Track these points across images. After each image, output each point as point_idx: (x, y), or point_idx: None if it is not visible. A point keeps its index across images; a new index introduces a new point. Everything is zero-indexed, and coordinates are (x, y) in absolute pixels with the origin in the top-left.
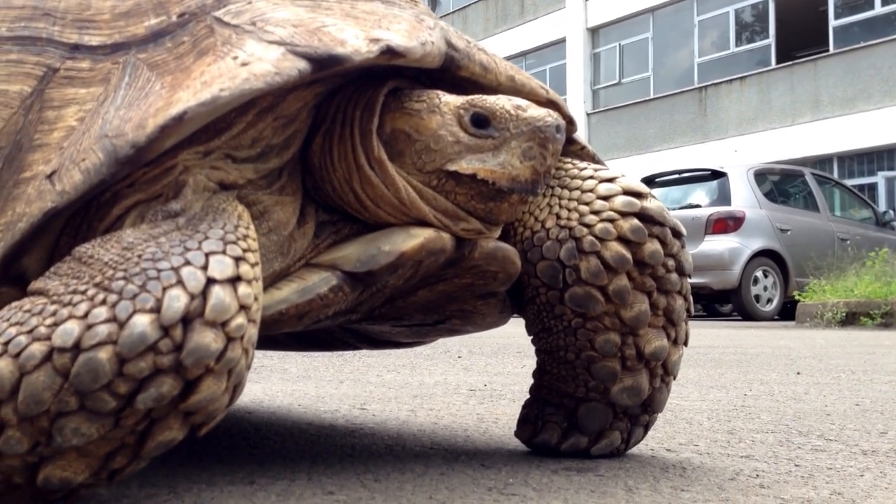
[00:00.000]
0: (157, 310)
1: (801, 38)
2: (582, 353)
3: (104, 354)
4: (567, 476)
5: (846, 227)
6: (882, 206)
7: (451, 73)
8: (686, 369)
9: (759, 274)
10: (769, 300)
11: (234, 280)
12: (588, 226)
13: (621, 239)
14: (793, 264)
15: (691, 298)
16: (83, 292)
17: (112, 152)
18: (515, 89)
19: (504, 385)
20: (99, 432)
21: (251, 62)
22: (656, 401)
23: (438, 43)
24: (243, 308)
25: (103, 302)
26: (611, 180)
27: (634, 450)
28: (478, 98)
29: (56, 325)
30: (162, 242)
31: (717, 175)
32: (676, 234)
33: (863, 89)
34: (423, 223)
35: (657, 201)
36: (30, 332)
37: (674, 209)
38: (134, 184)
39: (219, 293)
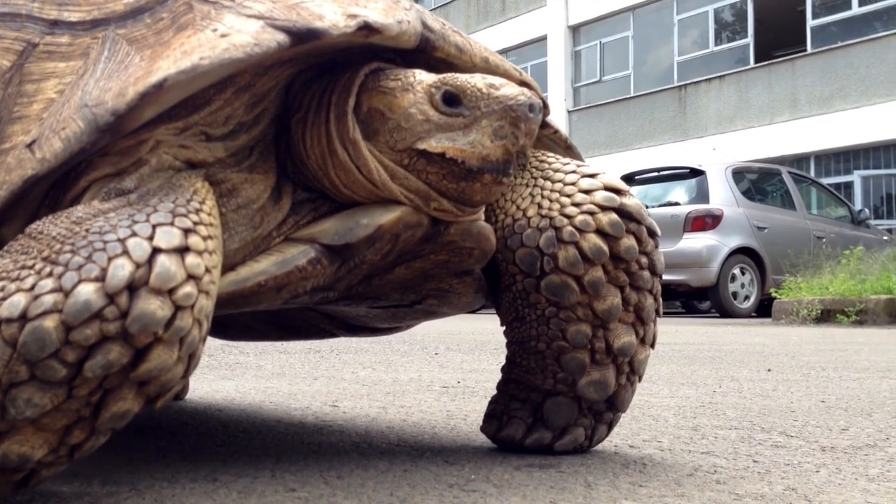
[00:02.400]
0: (101, 279)
1: (779, 37)
2: (553, 343)
3: (50, 323)
4: (528, 472)
5: (822, 225)
6: (858, 204)
7: (426, 54)
8: (659, 366)
9: (736, 271)
10: (746, 297)
11: (182, 250)
12: (569, 216)
13: (600, 232)
14: (770, 262)
15: (661, 300)
16: (31, 266)
17: (92, 120)
18: (490, 71)
19: (478, 382)
20: (52, 402)
21: (231, 34)
22: (621, 398)
23: (414, 23)
24: (192, 277)
25: (50, 274)
26: (592, 175)
27: (598, 446)
28: (450, 76)
29: (4, 299)
30: (111, 217)
31: (695, 173)
32: (651, 233)
33: (840, 89)
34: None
35: (635, 199)
36: None
37: (653, 207)
38: (107, 154)
39: (164, 261)
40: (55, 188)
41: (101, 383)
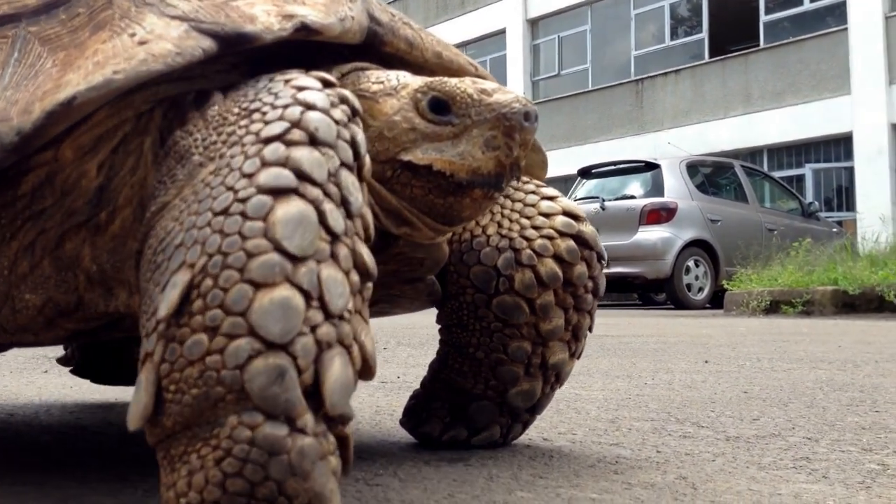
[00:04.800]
0: (308, 103)
1: (733, 32)
2: (492, 355)
3: (315, 112)
4: (437, 466)
5: (774, 217)
6: (809, 197)
7: (374, 48)
8: (601, 359)
9: (690, 263)
10: (700, 289)
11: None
12: (528, 239)
13: (557, 257)
14: (723, 254)
15: (594, 316)
16: (234, 127)
17: None
18: (443, 66)
19: (417, 377)
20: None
21: (150, 40)
22: (541, 405)
23: (359, 17)
24: None
25: (259, 112)
26: (552, 199)
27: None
28: (438, 81)
29: (255, 141)
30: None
31: (650, 167)
32: (600, 258)
33: (791, 83)
34: None
35: (591, 227)
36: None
37: (610, 200)
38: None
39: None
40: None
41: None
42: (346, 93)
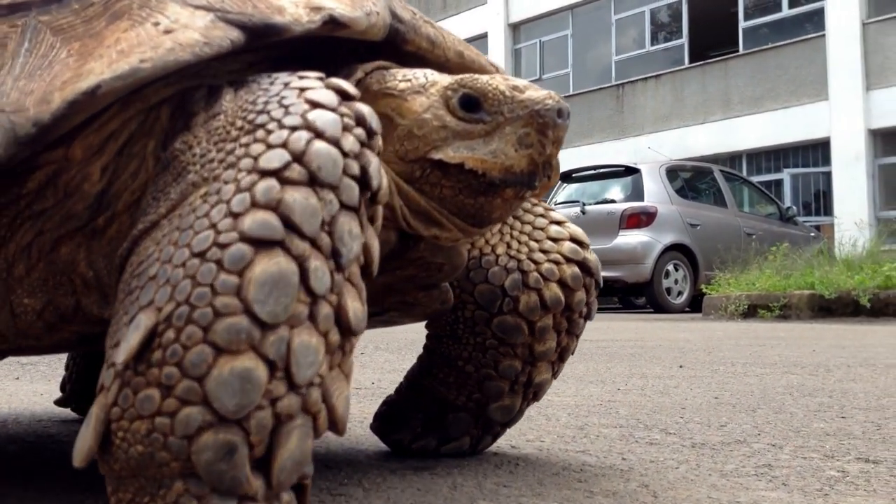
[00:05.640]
0: (317, 102)
1: (712, 38)
2: (482, 370)
3: (321, 143)
4: (402, 475)
5: (752, 222)
6: (787, 202)
7: (395, 46)
8: (577, 364)
9: (670, 267)
10: (680, 293)
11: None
12: (536, 262)
13: (561, 282)
14: (702, 258)
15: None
16: (236, 139)
17: (10, 130)
18: (464, 66)
19: (393, 383)
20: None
21: (175, 29)
22: (516, 419)
23: (383, 13)
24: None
25: (263, 129)
26: (560, 224)
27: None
28: (468, 77)
29: (256, 159)
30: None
31: (630, 171)
32: (597, 285)
33: (770, 89)
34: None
35: (594, 254)
36: (242, 189)
37: (590, 204)
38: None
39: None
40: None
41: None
42: (364, 111)
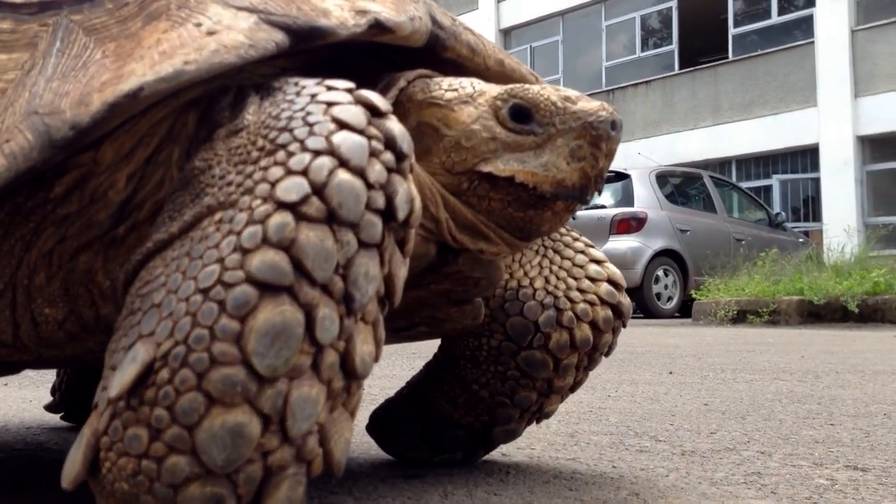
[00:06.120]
0: (344, 124)
1: (702, 44)
2: (497, 397)
3: (345, 174)
4: (392, 484)
5: (741, 227)
6: (776, 207)
7: (434, 53)
8: None
9: (660, 273)
10: (669, 298)
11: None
12: (572, 301)
13: (593, 324)
14: (692, 264)
15: None
16: (256, 161)
17: (44, 133)
18: (504, 75)
19: (383, 389)
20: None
21: (219, 31)
22: (513, 438)
23: (425, 19)
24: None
25: (292, 147)
26: (600, 263)
27: None
28: (519, 87)
29: (273, 186)
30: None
31: (620, 176)
32: (623, 326)
33: (759, 95)
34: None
35: (628, 298)
36: (254, 220)
37: (580, 209)
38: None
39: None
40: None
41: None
42: (395, 131)
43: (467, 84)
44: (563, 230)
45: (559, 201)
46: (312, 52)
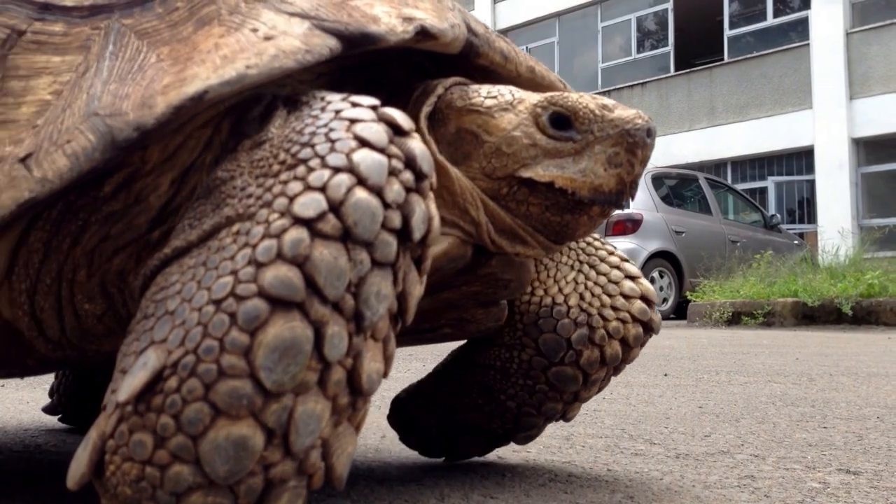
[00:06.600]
0: (364, 142)
1: (698, 46)
2: (524, 408)
3: (363, 192)
4: (389, 486)
5: (737, 229)
6: (771, 209)
7: (467, 59)
8: None
9: (655, 274)
10: (665, 300)
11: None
12: (605, 319)
13: (624, 341)
14: (687, 265)
15: None
16: (277, 174)
17: (106, 134)
18: (534, 82)
19: (389, 389)
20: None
21: (276, 36)
22: (530, 441)
23: (462, 26)
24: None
25: (305, 166)
26: (634, 279)
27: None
28: (558, 95)
29: (291, 200)
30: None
31: None
32: (649, 338)
33: (755, 97)
34: (463, 235)
35: (658, 314)
36: (270, 235)
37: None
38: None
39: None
40: (52, 206)
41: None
42: (416, 151)
43: (506, 91)
44: (598, 243)
45: (595, 206)
46: (349, 57)
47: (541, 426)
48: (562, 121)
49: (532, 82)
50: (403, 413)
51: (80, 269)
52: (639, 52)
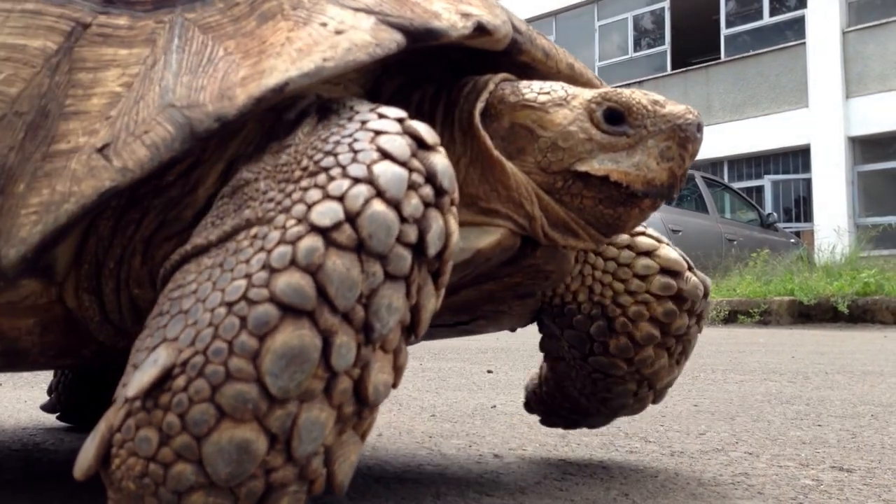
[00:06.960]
0: (387, 154)
1: (694, 45)
2: (598, 394)
3: (380, 205)
4: (386, 484)
5: (733, 228)
6: (768, 208)
7: (510, 56)
8: None
9: None
10: None
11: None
12: (622, 306)
13: (653, 320)
14: None
15: (701, 324)
16: (298, 180)
17: (185, 125)
18: (574, 78)
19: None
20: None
21: (346, 30)
22: (639, 412)
23: (508, 23)
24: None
25: (326, 174)
26: (649, 254)
27: (462, 455)
28: (612, 91)
29: (309, 208)
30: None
31: None
32: (706, 294)
33: (751, 96)
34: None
35: (693, 278)
36: (286, 241)
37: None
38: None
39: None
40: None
41: (438, 256)
42: (438, 166)
43: (558, 87)
44: None
45: (647, 199)
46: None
47: (634, 404)
48: (615, 116)
49: (571, 79)
50: (541, 401)
51: (136, 255)
52: (635, 50)
